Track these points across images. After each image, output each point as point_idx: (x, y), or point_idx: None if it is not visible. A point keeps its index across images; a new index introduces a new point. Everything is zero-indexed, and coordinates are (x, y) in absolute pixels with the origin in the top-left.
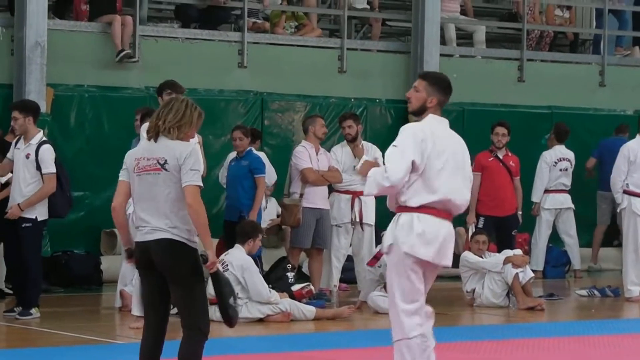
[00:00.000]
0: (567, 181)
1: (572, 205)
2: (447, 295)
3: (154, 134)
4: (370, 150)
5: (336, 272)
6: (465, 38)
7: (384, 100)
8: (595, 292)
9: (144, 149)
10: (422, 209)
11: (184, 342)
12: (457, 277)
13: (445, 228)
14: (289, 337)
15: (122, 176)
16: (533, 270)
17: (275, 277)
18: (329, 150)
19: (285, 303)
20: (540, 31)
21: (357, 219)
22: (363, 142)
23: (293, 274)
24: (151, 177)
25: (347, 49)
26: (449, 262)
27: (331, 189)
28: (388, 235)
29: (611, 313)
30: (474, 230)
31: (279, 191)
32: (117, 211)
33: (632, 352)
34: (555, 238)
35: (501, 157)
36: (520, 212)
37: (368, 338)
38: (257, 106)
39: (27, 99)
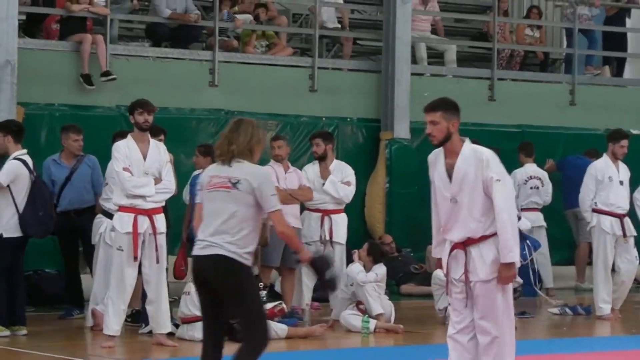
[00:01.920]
0: (539, 199)
1: (544, 224)
2: (419, 313)
3: (228, 159)
4: (340, 170)
5: (307, 291)
6: (436, 57)
7: (355, 119)
8: (567, 310)
9: (218, 169)
10: None
11: (241, 351)
12: (430, 296)
13: None
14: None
15: (198, 199)
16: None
17: None
18: (301, 169)
19: None
20: (510, 50)
21: (327, 237)
22: (335, 160)
23: (265, 292)
24: (221, 194)
25: (318, 67)
26: None
27: (303, 208)
28: (494, 263)
29: (583, 331)
30: None
31: None
32: (195, 230)
33: None
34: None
35: None
36: None
37: (340, 356)
38: None
39: (10, 119)
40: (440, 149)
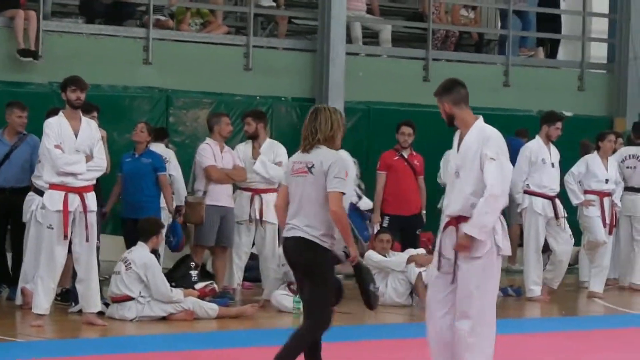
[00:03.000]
0: None
1: None
2: (350, 294)
3: (307, 149)
4: (272, 149)
5: (238, 270)
6: (371, 37)
7: (289, 99)
8: (498, 292)
9: (300, 156)
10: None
11: (300, 327)
12: None
13: None
14: (192, 335)
15: (283, 180)
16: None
17: (178, 276)
18: (233, 148)
19: (188, 301)
20: (445, 31)
21: (257, 217)
22: (268, 140)
23: (196, 272)
24: (300, 179)
25: (253, 46)
26: None
27: (236, 187)
28: (484, 244)
29: (513, 312)
30: (378, 229)
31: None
32: (277, 210)
33: (532, 351)
34: None
35: (406, 157)
36: (424, 212)
37: (271, 336)
38: (162, 103)
39: None
40: (458, 131)
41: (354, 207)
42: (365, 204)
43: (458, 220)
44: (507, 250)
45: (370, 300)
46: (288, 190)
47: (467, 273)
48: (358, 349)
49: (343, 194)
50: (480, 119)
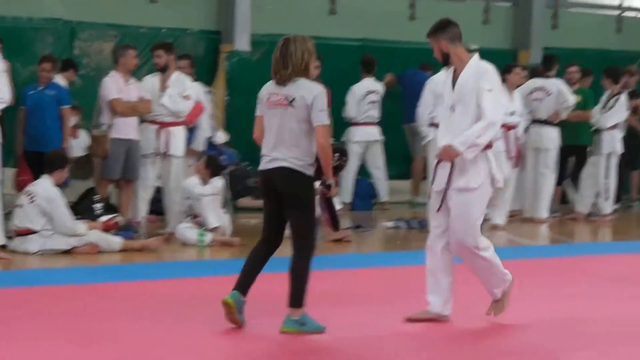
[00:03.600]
0: (376, 114)
1: (380, 138)
2: (255, 227)
3: (282, 81)
4: (180, 82)
5: (143, 204)
6: None
7: (195, 31)
8: (402, 224)
9: (275, 87)
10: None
11: (294, 257)
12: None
13: None
14: (96, 268)
15: (257, 111)
16: (342, 203)
17: (82, 209)
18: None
19: (92, 234)
20: None
21: (163, 150)
22: (175, 72)
23: (101, 205)
24: (278, 111)
25: None
26: None
27: (141, 120)
28: (478, 174)
29: (417, 244)
30: None
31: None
32: (257, 141)
33: (423, 283)
34: (363, 171)
35: None
36: None
37: (175, 269)
38: (67, 35)
39: None
40: (452, 67)
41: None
42: (220, 137)
43: None
44: (501, 181)
45: (337, 224)
46: (263, 121)
47: (464, 205)
48: (264, 281)
49: (328, 125)
50: (476, 55)
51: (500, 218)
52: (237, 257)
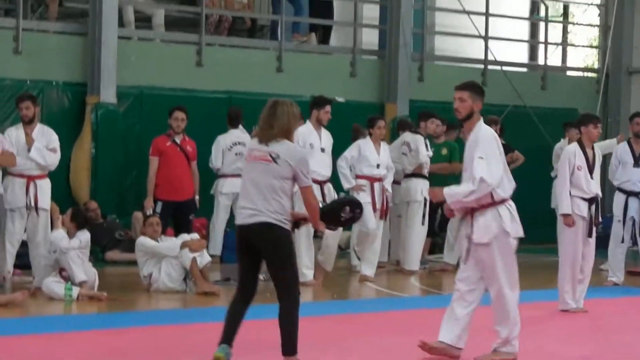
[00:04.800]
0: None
1: None
2: (123, 280)
3: (266, 140)
4: (44, 135)
5: (10, 258)
6: (144, 21)
7: (61, 83)
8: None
9: (258, 145)
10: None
11: (281, 308)
12: (134, 262)
13: None
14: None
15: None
16: (211, 255)
17: None
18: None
19: None
20: (219, 16)
21: (32, 204)
22: (39, 125)
23: None
24: (261, 166)
25: (23, 29)
26: None
27: (5, 173)
28: (489, 229)
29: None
30: (150, 213)
31: None
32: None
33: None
34: (232, 223)
35: (179, 142)
36: (197, 197)
37: (41, 324)
38: None
39: None
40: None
41: None
42: None
43: (472, 210)
44: (518, 232)
45: (354, 215)
46: (242, 175)
47: (485, 259)
48: (124, 336)
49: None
50: (481, 120)
51: (369, 269)
52: (104, 311)
